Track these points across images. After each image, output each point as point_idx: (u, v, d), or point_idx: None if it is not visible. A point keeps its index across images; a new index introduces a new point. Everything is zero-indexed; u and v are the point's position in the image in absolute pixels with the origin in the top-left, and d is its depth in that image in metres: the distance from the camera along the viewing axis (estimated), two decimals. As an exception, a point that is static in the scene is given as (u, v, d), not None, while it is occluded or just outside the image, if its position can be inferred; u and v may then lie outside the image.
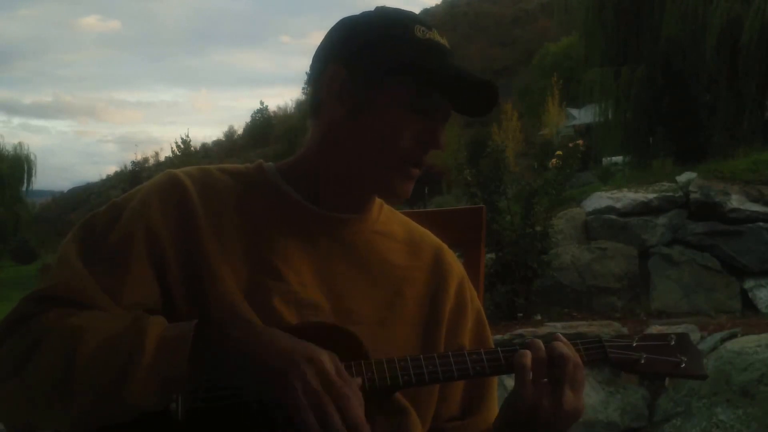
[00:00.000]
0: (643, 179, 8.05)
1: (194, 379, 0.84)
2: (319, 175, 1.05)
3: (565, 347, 0.95)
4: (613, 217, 6.94)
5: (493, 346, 1.05)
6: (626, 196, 7.14)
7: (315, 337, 0.89)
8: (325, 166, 1.05)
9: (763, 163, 7.46)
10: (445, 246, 1.16)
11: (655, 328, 4.91)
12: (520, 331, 4.99)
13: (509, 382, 0.97)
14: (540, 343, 0.96)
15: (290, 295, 0.97)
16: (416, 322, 1.06)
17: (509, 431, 0.99)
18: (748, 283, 6.32)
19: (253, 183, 1.06)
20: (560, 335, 0.98)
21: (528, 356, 0.94)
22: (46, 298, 0.90)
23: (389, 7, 1.06)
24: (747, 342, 4.39)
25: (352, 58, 1.00)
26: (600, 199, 7.25)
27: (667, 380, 4.26)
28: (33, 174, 33.34)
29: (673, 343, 1.02)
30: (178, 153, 28.37)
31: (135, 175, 34.03)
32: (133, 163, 39.47)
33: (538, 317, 5.89)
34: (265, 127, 64.53)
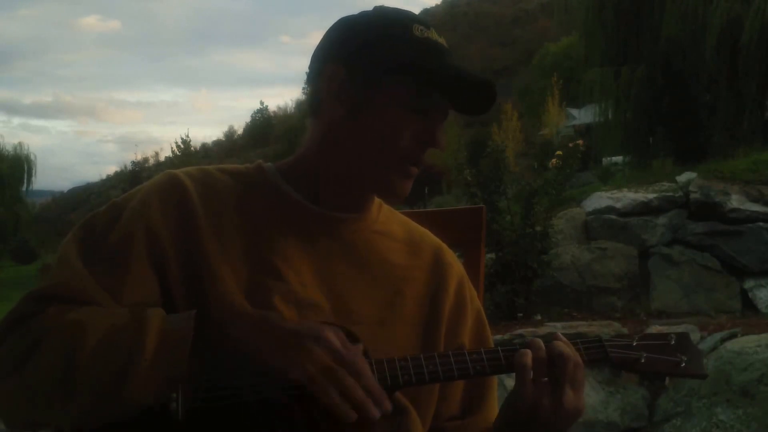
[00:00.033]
0: (643, 179, 8.06)
1: (196, 373, 0.85)
2: (319, 175, 1.05)
3: (565, 346, 0.95)
4: (613, 217, 6.94)
5: (493, 346, 1.05)
6: (626, 196, 7.14)
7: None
8: (324, 166, 1.05)
9: (763, 163, 7.47)
10: (444, 246, 1.16)
11: (655, 328, 4.91)
12: (520, 331, 4.99)
13: (509, 382, 0.96)
14: (540, 342, 0.96)
15: (290, 295, 0.97)
16: (416, 322, 1.06)
17: (509, 431, 0.99)
18: (748, 283, 6.32)
19: (253, 183, 1.06)
20: (560, 335, 0.98)
21: (528, 355, 0.94)
22: (46, 297, 0.90)
23: (387, 7, 1.06)
24: (747, 342, 4.39)
25: (351, 58, 1.00)
26: (600, 199, 7.25)
27: (667, 380, 4.27)
28: (33, 174, 33.40)
29: (673, 342, 1.02)
30: (178, 153, 28.38)
31: (135, 175, 34.01)
32: (133, 163, 39.49)
33: (538, 317, 5.89)
34: (265, 127, 64.57)
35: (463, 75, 0.99)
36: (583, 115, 24.85)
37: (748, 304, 6.19)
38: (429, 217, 1.28)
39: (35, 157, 33.89)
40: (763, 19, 11.47)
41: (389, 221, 1.13)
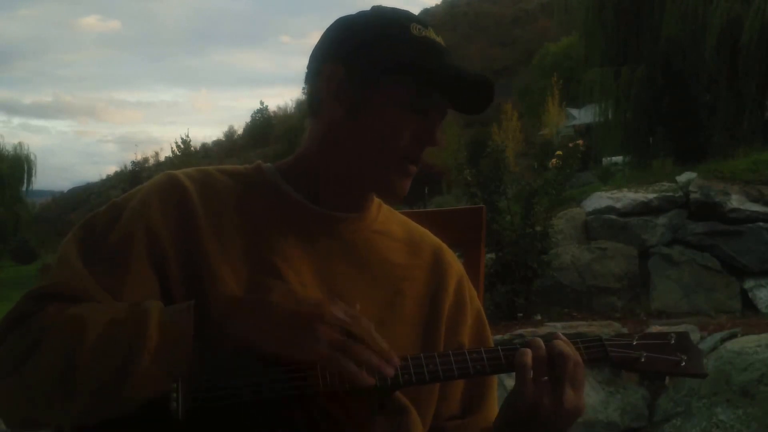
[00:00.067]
0: (643, 179, 8.06)
1: (196, 372, 0.85)
2: (319, 175, 1.05)
3: (565, 346, 0.95)
4: (613, 217, 6.94)
5: (492, 345, 1.05)
6: (626, 196, 7.14)
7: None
8: (324, 166, 1.05)
9: (763, 163, 7.47)
10: (444, 245, 1.16)
11: (655, 328, 4.91)
12: (520, 331, 4.99)
13: (509, 382, 0.96)
14: (540, 341, 0.96)
15: (290, 295, 0.97)
16: (416, 321, 1.06)
17: (510, 430, 0.99)
18: (748, 283, 6.32)
19: (252, 183, 1.06)
20: (560, 334, 0.98)
21: (528, 355, 0.94)
22: (45, 296, 0.90)
23: (385, 7, 1.06)
24: (747, 342, 4.39)
25: (350, 58, 1.00)
26: (600, 199, 7.25)
27: (667, 379, 4.27)
28: (33, 174, 33.40)
29: (673, 341, 1.02)
30: (178, 153, 28.36)
31: (135, 175, 34.00)
32: (133, 163, 39.47)
33: (538, 317, 5.89)
34: (265, 127, 64.57)
35: (463, 75, 0.99)
36: (583, 115, 24.85)
37: (748, 304, 6.19)
38: (429, 217, 1.28)
39: (35, 157, 33.94)
40: (763, 19, 11.47)
41: (389, 221, 1.13)
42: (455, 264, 1.15)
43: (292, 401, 0.86)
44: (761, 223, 6.53)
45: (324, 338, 0.84)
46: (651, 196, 7.04)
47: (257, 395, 0.86)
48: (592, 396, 4.35)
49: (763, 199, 6.82)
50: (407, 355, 0.93)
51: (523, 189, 6.39)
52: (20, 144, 33.74)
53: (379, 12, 1.05)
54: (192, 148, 29.85)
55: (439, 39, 1.03)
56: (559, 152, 7.35)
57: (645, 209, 6.94)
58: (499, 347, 0.97)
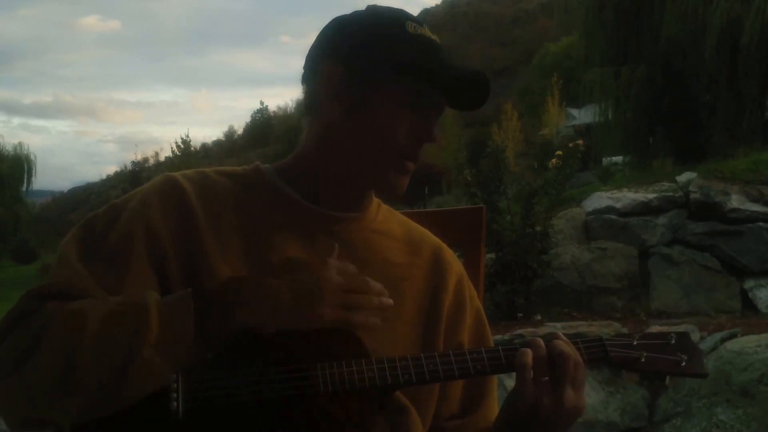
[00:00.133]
0: (643, 179, 8.06)
1: (196, 371, 0.85)
2: (318, 174, 1.06)
3: (565, 346, 0.95)
4: (613, 217, 6.94)
5: (492, 345, 1.05)
6: (626, 196, 7.14)
7: (315, 336, 0.89)
8: (323, 165, 1.05)
9: (763, 163, 7.47)
10: (444, 245, 1.16)
11: (655, 328, 4.91)
12: (520, 331, 4.99)
13: (509, 382, 0.96)
14: (541, 341, 0.96)
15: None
16: (416, 321, 1.06)
17: (510, 430, 0.99)
18: (748, 283, 6.32)
19: (251, 184, 1.07)
20: (560, 334, 0.98)
21: (529, 355, 0.94)
22: (45, 295, 0.90)
23: (380, 6, 1.07)
24: (747, 342, 4.39)
25: (349, 57, 1.01)
26: (600, 199, 7.25)
27: (667, 379, 4.27)
28: (33, 174, 33.43)
29: (673, 341, 1.02)
30: (178, 153, 28.30)
31: (135, 175, 34.06)
32: (133, 163, 39.57)
33: (538, 317, 5.89)
34: (265, 127, 64.61)
35: (461, 73, 0.99)
36: (583, 115, 24.86)
37: (748, 304, 6.19)
38: (429, 217, 1.28)
39: (35, 157, 33.97)
40: (763, 19, 11.47)
41: (388, 221, 1.13)
42: (455, 263, 1.15)
43: (292, 401, 0.86)
44: (761, 223, 6.53)
45: (326, 304, 0.89)
46: (651, 196, 7.04)
47: (257, 395, 0.86)
48: (592, 396, 4.35)
49: (763, 199, 6.83)
50: (407, 355, 0.93)
51: (523, 189, 6.39)
52: (20, 144, 33.83)
53: (375, 11, 1.05)
54: (192, 148, 29.79)
55: (434, 36, 1.04)
56: (559, 152, 7.35)
57: (645, 209, 6.94)
58: (499, 347, 0.97)
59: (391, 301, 0.95)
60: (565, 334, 0.98)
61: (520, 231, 5.99)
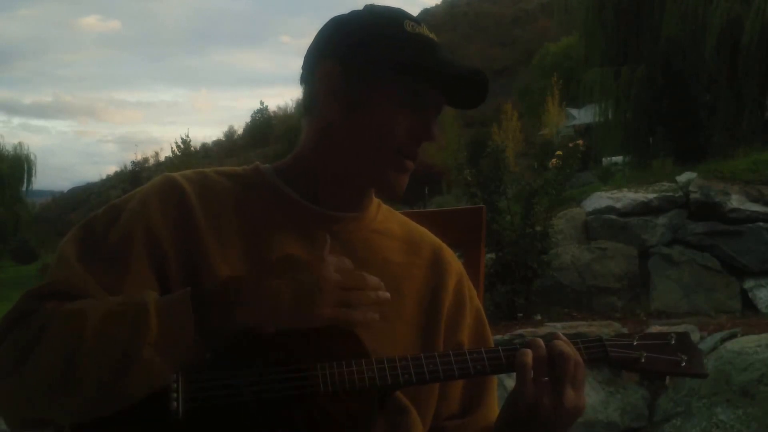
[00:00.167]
0: (643, 179, 8.06)
1: (197, 370, 0.85)
2: (317, 174, 1.06)
3: (565, 346, 0.95)
4: (613, 217, 6.94)
5: (493, 345, 1.05)
6: (626, 196, 7.14)
7: (315, 336, 0.89)
8: (322, 165, 1.05)
9: (763, 163, 7.47)
10: (443, 245, 1.17)
11: (655, 328, 4.91)
12: (520, 331, 4.99)
13: (509, 382, 0.96)
14: (541, 341, 0.96)
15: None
16: (415, 320, 1.06)
17: (510, 430, 0.99)
18: (748, 283, 6.32)
19: (251, 184, 1.07)
20: (560, 334, 0.98)
21: (529, 355, 0.94)
22: (44, 294, 0.90)
23: (378, 5, 1.07)
24: (747, 342, 4.39)
25: (347, 56, 1.01)
26: (600, 199, 7.25)
27: (667, 379, 4.27)
28: (33, 174, 33.44)
29: (673, 342, 1.02)
30: (178, 153, 28.30)
31: (135, 175, 34.04)
32: (133, 163, 39.53)
33: (538, 317, 5.89)
34: (265, 127, 64.61)
35: (460, 72, 0.99)
36: (583, 115, 24.85)
37: (748, 304, 6.19)
38: (429, 217, 1.28)
39: (35, 157, 33.97)
40: (763, 20, 11.48)
41: (388, 220, 1.13)
42: (455, 263, 1.15)
43: (292, 401, 0.86)
44: (761, 223, 6.54)
45: (325, 303, 0.88)
46: (651, 196, 7.04)
47: (257, 395, 0.86)
48: (592, 396, 4.35)
49: (763, 199, 6.83)
50: (407, 355, 0.93)
51: (523, 189, 6.39)
52: (20, 144, 33.82)
53: (372, 10, 1.05)
54: (192, 148, 29.80)
55: (432, 35, 1.04)
56: (559, 152, 7.35)
57: (645, 209, 6.94)
58: (499, 347, 0.97)
59: (388, 294, 0.94)
60: (565, 334, 0.98)
61: (520, 231, 5.99)
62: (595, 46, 14.38)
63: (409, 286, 1.08)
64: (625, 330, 4.96)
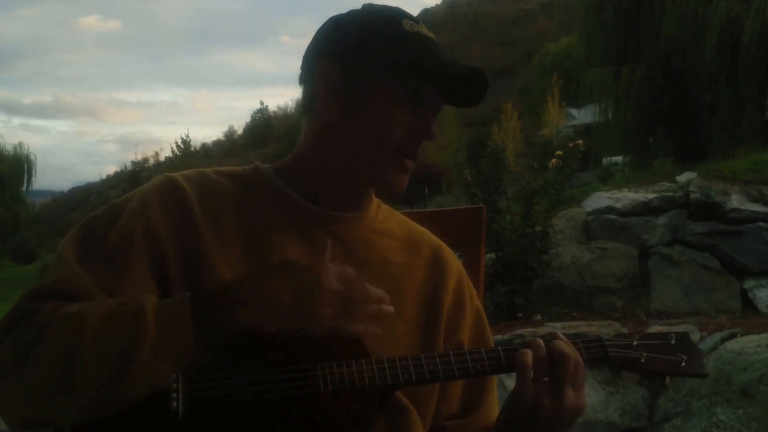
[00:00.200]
0: (643, 179, 8.07)
1: (196, 370, 0.85)
2: (317, 174, 1.06)
3: (565, 346, 0.95)
4: (613, 217, 6.94)
5: (493, 345, 1.05)
6: (626, 196, 7.14)
7: (315, 336, 0.89)
8: (321, 165, 1.05)
9: (763, 163, 7.47)
10: (443, 244, 1.16)
11: (655, 328, 4.91)
12: (520, 331, 4.99)
13: (509, 382, 0.96)
14: (541, 341, 0.96)
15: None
16: (416, 320, 1.06)
17: (510, 430, 0.99)
18: (748, 283, 6.32)
19: (251, 184, 1.07)
20: (560, 334, 0.98)
21: (529, 355, 0.94)
22: (44, 295, 0.90)
23: (376, 4, 1.07)
24: (747, 342, 4.39)
25: (345, 56, 1.01)
26: (600, 199, 7.26)
27: (667, 379, 4.27)
28: (33, 174, 33.46)
29: (673, 342, 1.02)
30: (178, 153, 28.29)
31: (135, 175, 34.05)
32: (133, 163, 39.55)
33: (538, 317, 5.89)
34: (265, 127, 64.63)
35: (460, 71, 0.99)
36: (583, 115, 24.85)
37: (748, 304, 6.19)
38: (429, 217, 1.28)
39: (35, 157, 34.00)
40: (763, 20, 11.48)
41: (388, 220, 1.13)
42: (455, 263, 1.15)
43: (292, 401, 0.86)
44: (761, 223, 6.54)
45: (326, 312, 0.88)
46: (651, 196, 7.04)
47: (257, 395, 0.86)
48: (592, 396, 4.35)
49: (763, 199, 6.83)
50: (407, 355, 0.93)
51: (523, 189, 6.40)
52: (20, 144, 33.86)
53: (371, 9, 1.05)
54: (192, 148, 29.78)
55: (430, 34, 1.04)
56: (559, 152, 7.35)
57: (645, 209, 6.94)
58: (499, 347, 0.97)
59: (391, 308, 0.94)
60: (565, 334, 0.98)
61: (520, 231, 5.99)
62: (595, 46, 14.39)
63: (409, 286, 1.08)
64: (625, 330, 4.96)
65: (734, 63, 12.01)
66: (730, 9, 12.03)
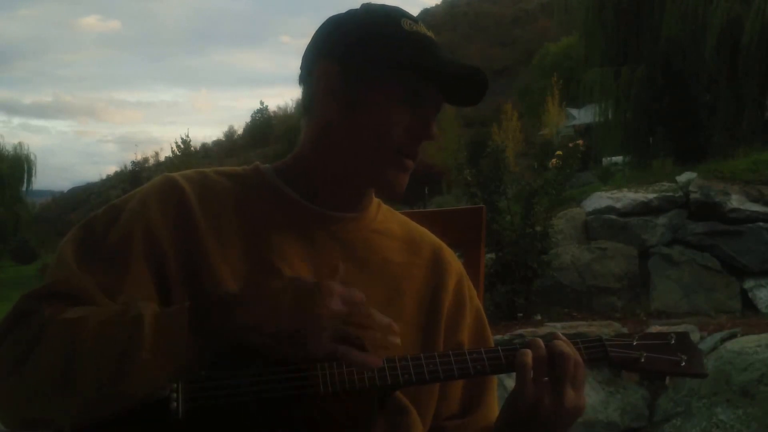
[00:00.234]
0: (643, 179, 8.07)
1: (196, 371, 0.84)
2: (317, 174, 1.06)
3: (565, 346, 0.95)
4: (613, 217, 6.94)
5: (493, 345, 1.05)
6: (626, 196, 7.14)
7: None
8: (321, 165, 1.05)
9: (763, 163, 7.47)
10: (444, 245, 1.16)
11: (655, 328, 4.91)
12: (520, 331, 4.99)
13: (509, 382, 0.96)
14: (540, 341, 0.96)
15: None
16: (416, 320, 1.06)
17: (510, 430, 0.99)
18: (748, 283, 6.32)
19: (251, 184, 1.07)
20: (560, 334, 0.98)
21: (529, 355, 0.94)
22: (44, 295, 0.90)
23: (375, 4, 1.07)
24: (747, 342, 4.39)
25: (345, 56, 1.01)
26: (600, 199, 7.25)
27: (667, 379, 4.27)
28: (33, 174, 33.49)
29: (673, 341, 1.02)
30: (178, 153, 28.29)
31: (135, 175, 34.09)
32: (133, 163, 39.63)
33: (538, 317, 5.89)
34: (265, 127, 64.66)
35: (459, 70, 0.99)
36: (583, 115, 24.85)
37: (748, 304, 6.19)
38: (429, 217, 1.28)
39: (35, 157, 34.02)
40: (763, 20, 11.48)
41: (388, 220, 1.13)
42: (455, 263, 1.15)
43: (292, 401, 0.86)
44: (761, 223, 6.54)
45: (325, 334, 0.84)
46: (651, 196, 7.04)
47: (257, 395, 0.86)
48: (592, 396, 4.35)
49: (763, 199, 6.83)
50: (407, 355, 0.93)
51: (523, 189, 6.40)
52: (20, 144, 33.88)
53: (369, 9, 1.05)
54: (192, 148, 29.79)
55: (429, 33, 1.04)
56: (559, 152, 7.35)
57: (645, 209, 6.94)
58: (499, 347, 0.97)
59: (398, 340, 0.88)
60: (565, 334, 0.98)
61: (520, 231, 5.99)
62: (595, 46, 14.38)
63: (409, 286, 1.08)
64: (625, 330, 4.96)
65: (734, 63, 12.01)
66: (730, 9, 12.03)
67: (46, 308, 0.88)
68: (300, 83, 1.07)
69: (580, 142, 7.92)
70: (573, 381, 0.94)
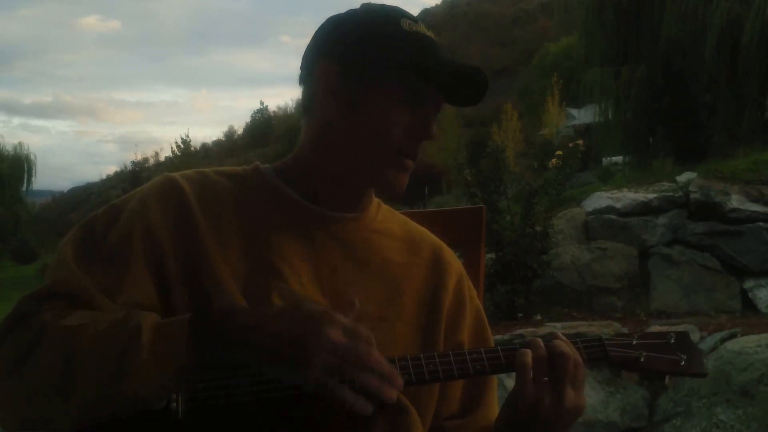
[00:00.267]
0: (643, 179, 8.07)
1: (196, 371, 0.84)
2: (317, 174, 1.06)
3: (565, 346, 0.95)
4: (613, 217, 6.94)
5: (492, 345, 1.05)
6: (626, 196, 7.15)
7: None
8: (321, 165, 1.05)
9: (763, 163, 7.47)
10: (444, 245, 1.16)
11: (655, 328, 4.91)
12: (520, 331, 4.99)
13: (509, 382, 0.96)
14: (540, 341, 0.96)
15: (291, 299, 0.97)
16: (415, 320, 1.06)
17: (510, 430, 0.99)
18: (748, 283, 6.32)
19: (251, 184, 1.06)
20: (560, 334, 0.98)
21: (529, 355, 0.94)
22: (44, 296, 0.90)
23: (375, 4, 1.07)
24: (747, 342, 4.39)
25: (344, 56, 1.01)
26: (600, 199, 7.26)
27: (667, 379, 4.27)
28: (33, 174, 33.53)
29: (672, 341, 1.02)
30: (178, 153, 28.29)
31: (135, 175, 34.10)
32: (133, 163, 39.65)
33: (538, 317, 5.89)
34: (265, 127, 64.69)
35: (460, 70, 0.99)
36: (583, 115, 24.86)
37: (748, 304, 6.19)
38: (429, 217, 1.28)
39: (35, 157, 34.07)
40: (763, 20, 11.48)
41: (388, 220, 1.13)
42: (455, 263, 1.15)
43: (292, 401, 0.86)
44: (761, 223, 6.54)
45: (319, 364, 0.81)
46: (651, 196, 7.04)
47: (257, 395, 0.86)
48: (592, 396, 4.35)
49: (763, 199, 6.83)
50: (407, 355, 0.93)
51: (523, 189, 6.40)
52: (20, 144, 33.94)
53: (369, 9, 1.05)
54: (192, 148, 29.79)
55: (429, 33, 1.04)
56: (559, 152, 7.36)
57: (645, 209, 6.95)
58: (499, 347, 0.97)
59: (394, 395, 0.84)
60: (565, 334, 0.98)
61: (520, 231, 5.99)
62: (595, 46, 14.40)
63: (409, 286, 1.07)
64: (625, 330, 4.96)
65: (734, 63, 12.02)
66: (730, 9, 12.04)
67: (46, 309, 0.88)
68: (300, 83, 1.07)
69: (580, 142, 7.92)
70: (573, 381, 0.94)
